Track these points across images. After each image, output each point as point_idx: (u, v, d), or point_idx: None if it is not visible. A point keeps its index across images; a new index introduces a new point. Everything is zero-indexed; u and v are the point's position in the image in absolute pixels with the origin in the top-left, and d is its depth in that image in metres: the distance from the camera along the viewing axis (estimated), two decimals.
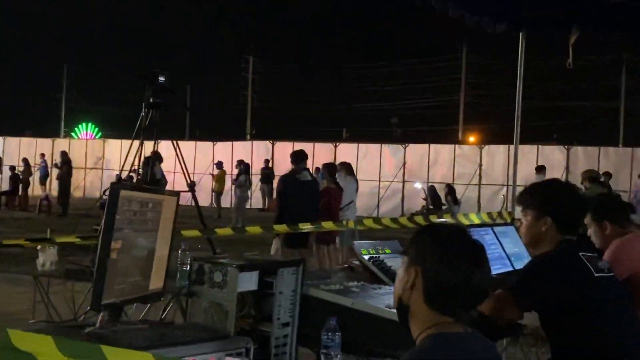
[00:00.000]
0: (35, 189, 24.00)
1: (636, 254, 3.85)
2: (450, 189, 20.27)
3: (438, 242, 2.03)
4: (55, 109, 47.53)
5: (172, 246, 3.03)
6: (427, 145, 25.33)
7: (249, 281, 2.91)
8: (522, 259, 4.30)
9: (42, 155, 26.10)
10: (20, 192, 22.74)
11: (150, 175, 8.21)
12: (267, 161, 25.47)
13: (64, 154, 22.06)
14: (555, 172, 20.27)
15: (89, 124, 45.89)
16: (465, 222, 6.85)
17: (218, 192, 22.95)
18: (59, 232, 8.28)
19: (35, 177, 23.82)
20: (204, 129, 40.57)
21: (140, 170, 7.88)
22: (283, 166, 19.83)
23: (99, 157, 29.89)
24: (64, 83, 47.58)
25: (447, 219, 8.89)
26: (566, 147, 23.07)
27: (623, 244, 3.87)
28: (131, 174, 8.11)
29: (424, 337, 1.98)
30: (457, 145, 26.00)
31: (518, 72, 7.10)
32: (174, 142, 8.25)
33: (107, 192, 2.48)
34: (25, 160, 23.80)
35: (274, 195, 22.63)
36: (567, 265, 3.00)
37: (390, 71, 44.97)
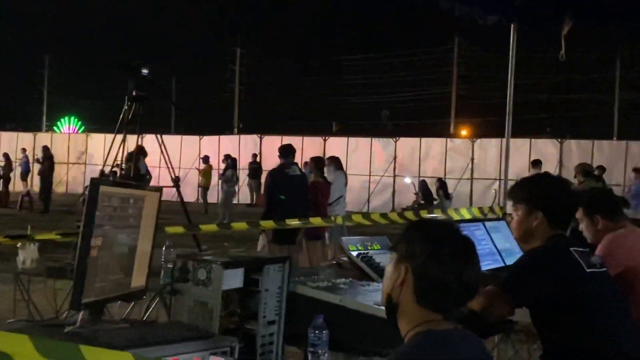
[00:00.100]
0: (16, 185, 23.87)
1: (629, 249, 3.87)
2: (441, 184, 20.33)
3: (428, 238, 2.03)
4: (36, 102, 47.27)
5: (156, 243, 3.02)
6: (418, 138, 25.36)
7: (234, 279, 2.91)
8: (513, 255, 4.32)
9: (24, 150, 25.94)
10: (0, 188, 22.61)
11: (134, 171, 8.18)
12: (254, 155, 25.44)
13: (45, 149, 21.94)
14: (549, 165, 20.34)
15: (72, 118, 45.65)
16: (456, 217, 6.86)
17: (204, 187, 22.91)
18: (40, 229, 8.24)
19: (17, 172, 23.67)
20: (190, 123, 40.48)
21: (124, 165, 7.85)
22: (271, 160, 19.78)
23: (82, 151, 29.77)
24: (45, 75, 47.30)
25: (437, 214, 8.90)
26: (559, 140, 23.17)
27: (615, 239, 3.89)
28: (115, 169, 8.07)
29: (413, 335, 1.99)
30: (448, 139, 26.05)
31: (509, 64, 7.12)
32: (158, 136, 8.22)
33: None
34: (5, 155, 23.65)
35: (262, 191, 22.67)
36: (558, 261, 3.02)
37: (380, 63, 45.00)
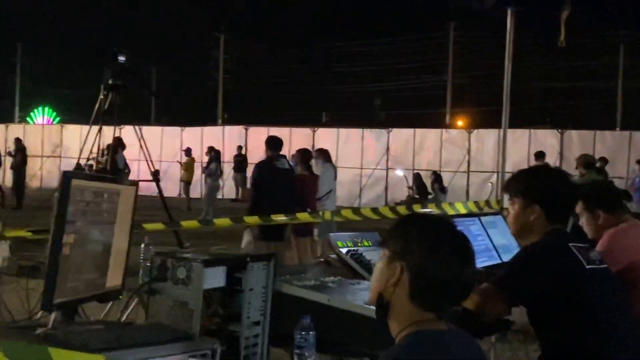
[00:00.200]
0: None
1: (631, 244, 3.89)
2: (436, 177, 20.39)
3: (425, 234, 2.04)
4: (8, 92, 46.99)
5: (133, 240, 3.02)
6: (412, 129, 25.41)
7: (215, 277, 2.90)
8: (510, 251, 4.33)
9: None
10: None
11: (111, 164, 8.15)
12: (240, 148, 25.41)
13: (18, 141, 21.84)
14: (549, 157, 20.38)
15: (46, 108, 45.43)
16: (451, 211, 6.87)
17: (187, 182, 22.88)
18: (13, 225, 8.19)
19: None
20: (171, 113, 40.37)
21: (100, 158, 7.82)
22: (257, 153, 19.79)
23: (56, 144, 29.67)
24: (17, 63, 47.01)
25: (431, 208, 8.91)
26: (560, 131, 23.26)
27: (617, 234, 3.91)
28: (90, 161, 8.04)
29: (405, 335, 1.99)
30: (444, 130, 26.12)
31: (506, 50, 7.13)
32: (136, 127, 8.19)
33: None
34: None
35: (248, 185, 22.67)
36: (556, 257, 3.02)
37: (373, 50, 44.98)
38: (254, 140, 24.73)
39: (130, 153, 15.55)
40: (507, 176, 4.60)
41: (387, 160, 24.83)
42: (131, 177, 17.53)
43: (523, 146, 22.28)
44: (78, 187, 2.43)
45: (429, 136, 25.02)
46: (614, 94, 33.04)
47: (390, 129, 25.62)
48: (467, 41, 38.71)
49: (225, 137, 27.03)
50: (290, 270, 3.85)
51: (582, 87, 38.36)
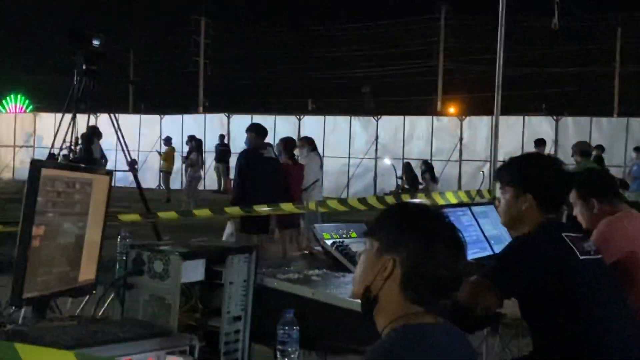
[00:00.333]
0: None
1: (626, 234, 3.92)
2: (427, 166, 20.39)
3: (419, 228, 2.05)
4: None
5: (109, 233, 3.00)
6: (401, 117, 25.43)
7: (194, 271, 2.89)
8: (502, 242, 4.34)
9: None
10: None
11: (86, 154, 8.11)
12: (222, 137, 25.36)
13: None
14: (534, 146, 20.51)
15: (18, 96, 45.12)
16: (442, 201, 6.90)
17: (166, 172, 22.80)
18: None
19: None
20: (150, 101, 40.22)
21: (73, 147, 7.77)
22: (240, 142, 19.71)
23: (29, 133, 29.48)
24: None
25: (421, 198, 8.94)
26: (555, 117, 23.34)
27: (612, 224, 3.93)
28: (64, 151, 8.00)
29: (392, 330, 2.00)
30: (435, 117, 26.16)
31: (498, 34, 7.15)
32: (112, 115, 8.15)
33: None
34: None
35: (231, 175, 22.63)
36: (549, 247, 3.04)
37: (360, 34, 44.93)
38: (237, 129, 24.65)
39: (107, 142, 15.47)
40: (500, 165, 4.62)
41: (376, 150, 24.84)
42: (108, 167, 17.47)
43: (517, 133, 22.36)
44: (48, 176, 2.41)
45: (420, 124, 25.05)
46: (611, 79, 33.18)
47: (379, 116, 25.63)
48: (458, 25, 38.75)
49: (207, 126, 26.96)
50: (272, 263, 3.86)
51: (578, 72, 38.50)
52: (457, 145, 23.91)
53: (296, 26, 48.62)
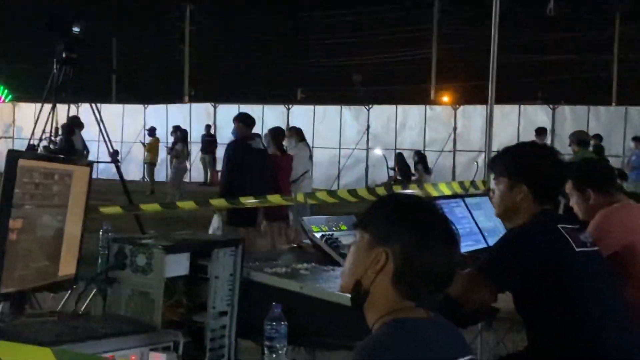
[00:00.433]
0: None
1: (623, 226, 3.94)
2: (420, 157, 20.45)
3: (412, 220, 2.05)
4: None
5: (92, 227, 3.00)
6: (394, 106, 25.45)
7: (178, 265, 2.89)
8: (496, 234, 4.35)
9: None
10: None
11: (66, 145, 8.08)
12: (208, 127, 25.33)
13: None
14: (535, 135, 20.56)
15: None
16: (435, 192, 6.91)
17: (151, 164, 22.76)
18: None
19: None
20: (134, 90, 40.07)
21: (53, 138, 7.74)
22: (227, 132, 19.73)
23: (8, 124, 29.37)
24: None
25: (413, 189, 8.95)
26: (552, 106, 23.40)
27: (609, 215, 3.95)
28: (44, 142, 7.97)
29: (383, 324, 2.01)
30: (428, 106, 26.16)
31: (492, 19, 7.16)
32: (93, 105, 8.12)
33: None
34: None
35: (218, 167, 22.61)
36: (544, 239, 3.05)
37: (351, 21, 44.91)
38: (224, 119, 24.63)
39: (89, 133, 15.42)
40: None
41: (367, 140, 24.85)
42: (90, 159, 17.40)
43: (512, 123, 22.41)
44: (26, 167, 2.40)
45: (412, 113, 25.06)
46: (609, 67, 33.24)
47: (370, 105, 25.63)
48: (452, 10, 38.73)
49: (192, 115, 26.91)
50: (260, 256, 3.86)
51: (576, 60, 38.57)
52: (451, 135, 23.95)
53: (285, 13, 48.53)
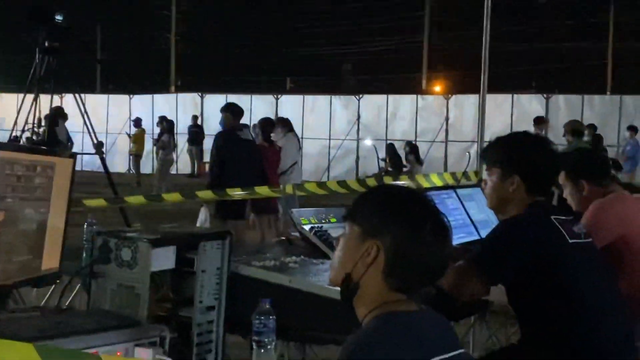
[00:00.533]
0: None
1: (617, 217, 3.95)
2: (412, 147, 20.45)
3: (404, 212, 2.05)
4: None
5: (76, 220, 2.99)
6: (384, 96, 25.45)
7: (164, 258, 2.89)
8: (489, 226, 4.35)
9: None
10: None
11: (50, 136, 8.06)
12: (195, 117, 25.27)
13: None
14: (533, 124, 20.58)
15: None
16: (426, 183, 6.92)
17: (136, 155, 22.69)
18: None
19: None
20: (119, 80, 39.93)
21: (36, 129, 7.73)
22: (214, 123, 19.72)
23: None
24: None
25: (403, 180, 8.97)
26: (545, 95, 23.44)
27: (602, 206, 3.96)
28: (27, 133, 7.95)
29: (373, 318, 2.01)
30: (420, 96, 26.17)
31: (484, 7, 7.16)
32: (77, 95, 8.09)
33: None
34: None
35: (205, 158, 22.59)
36: (537, 231, 3.06)
37: (341, 8, 44.79)
38: (211, 109, 24.55)
39: (73, 124, 15.37)
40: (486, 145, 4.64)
41: (358, 130, 24.84)
42: (75, 150, 17.35)
43: (505, 112, 22.44)
44: (7, 159, 2.40)
45: (404, 103, 25.06)
46: (603, 55, 33.29)
47: (360, 95, 25.62)
48: None
49: (179, 106, 26.84)
50: (248, 249, 3.86)
51: (569, 48, 38.61)
52: (443, 125, 23.97)
53: (273, 0, 48.39)
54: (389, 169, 20.48)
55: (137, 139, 22.74)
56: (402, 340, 1.93)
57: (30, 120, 7.67)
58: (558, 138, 12.83)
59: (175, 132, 21.69)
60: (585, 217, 3.89)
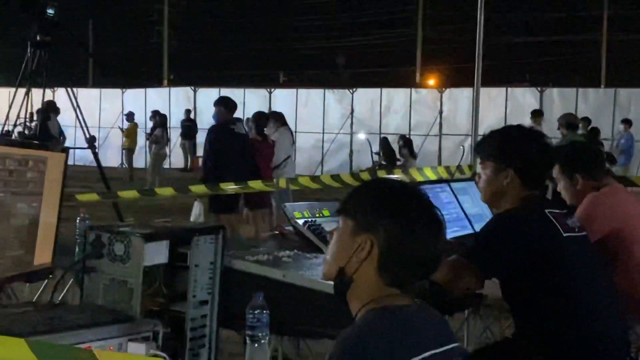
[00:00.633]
0: None
1: (611, 210, 3.96)
2: (405, 141, 20.46)
3: (398, 206, 2.05)
4: None
5: (67, 214, 2.98)
6: (378, 89, 25.42)
7: (157, 253, 2.89)
8: (483, 220, 4.37)
9: None
10: None
11: (41, 131, 8.04)
12: (188, 111, 25.23)
13: None
14: (527, 118, 20.56)
15: None
16: (420, 177, 6.93)
17: (129, 149, 22.64)
18: None
19: None
20: (111, 74, 39.83)
21: (28, 123, 7.72)
22: (207, 117, 19.66)
23: None
24: None
25: (397, 174, 8.97)
26: (539, 89, 23.45)
27: (596, 200, 3.97)
28: (19, 127, 7.94)
29: (367, 312, 2.01)
30: (413, 89, 26.16)
31: (478, 0, 7.16)
32: (69, 89, 8.08)
33: None
34: None
35: (198, 153, 22.56)
36: (531, 224, 3.06)
37: (334, 1, 44.75)
38: (204, 103, 24.53)
39: (66, 118, 15.34)
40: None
41: (352, 124, 24.83)
42: (67, 145, 17.32)
43: (499, 106, 22.45)
44: None
45: (397, 96, 25.06)
46: (597, 48, 33.30)
47: (354, 89, 25.60)
48: None
49: (172, 100, 26.80)
50: (241, 244, 3.86)
51: (564, 41, 38.64)
52: (437, 118, 23.96)
53: None
54: (383, 162, 20.49)
55: (130, 133, 22.70)
56: (395, 334, 1.93)
57: (22, 114, 7.66)
58: (552, 131, 12.84)
59: (168, 126, 21.66)
60: (579, 211, 3.90)
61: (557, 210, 3.17)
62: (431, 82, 36.88)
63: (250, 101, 23.04)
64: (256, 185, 7.72)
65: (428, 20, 38.51)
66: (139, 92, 27.78)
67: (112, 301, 2.75)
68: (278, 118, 11.01)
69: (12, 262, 2.58)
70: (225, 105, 8.91)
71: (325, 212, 3.96)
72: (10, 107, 7.79)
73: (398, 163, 20.08)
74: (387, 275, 2.03)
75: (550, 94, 23.07)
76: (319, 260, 3.37)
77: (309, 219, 3.83)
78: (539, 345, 3.04)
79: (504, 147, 3.24)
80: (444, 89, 25.17)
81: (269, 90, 26.18)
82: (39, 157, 2.65)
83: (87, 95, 25.53)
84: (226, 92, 21.15)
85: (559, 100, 22.45)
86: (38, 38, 7.42)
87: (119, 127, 24.05)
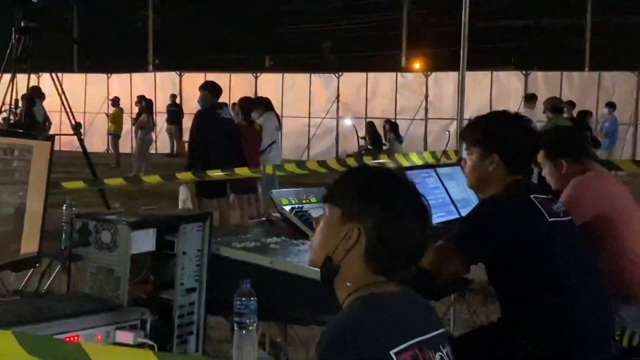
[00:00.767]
0: None
1: (596, 195, 3.97)
2: (391, 125, 20.44)
3: (384, 194, 2.05)
4: None
5: (52, 202, 2.97)
6: (364, 73, 25.38)
7: (144, 241, 2.88)
8: (469, 205, 4.38)
9: None
10: None
11: (27, 116, 7.99)
12: (173, 96, 25.13)
13: None
14: (512, 101, 20.66)
15: None
16: (405, 162, 6.93)
17: (115, 135, 22.56)
18: None
19: None
20: (96, 59, 39.57)
21: (14, 110, 7.68)
22: (193, 102, 19.60)
23: None
24: None
25: (383, 159, 8.97)
26: (524, 72, 23.49)
27: (581, 184, 3.98)
28: (4, 114, 7.89)
29: (354, 299, 2.01)
30: (399, 73, 26.13)
31: None
32: (53, 74, 8.03)
33: None
34: None
35: (184, 138, 22.49)
36: (516, 209, 3.07)
37: None
38: (189, 88, 24.45)
39: (51, 104, 15.24)
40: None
41: (338, 108, 24.81)
42: (53, 130, 17.24)
43: (485, 90, 22.50)
44: None
45: (383, 80, 25.04)
46: (582, 32, 33.34)
47: (340, 73, 25.56)
48: None
49: (157, 85, 26.68)
50: (228, 230, 3.85)
51: (548, 25, 38.67)
52: (423, 102, 23.98)
53: None
54: (369, 147, 20.48)
55: (115, 119, 22.59)
56: (383, 322, 1.93)
57: (7, 100, 7.62)
58: (537, 115, 12.88)
59: (154, 111, 21.56)
60: (564, 195, 3.92)
61: (543, 196, 3.18)
62: (417, 66, 36.85)
63: (236, 85, 22.99)
64: (243, 172, 7.70)
65: (413, 4, 38.43)
66: (124, 77, 27.65)
67: (99, 289, 2.74)
68: (264, 103, 10.98)
69: None
70: (210, 90, 8.88)
71: (312, 199, 3.94)
72: None
73: (384, 147, 20.07)
74: (374, 264, 2.03)
75: (535, 78, 23.12)
76: (306, 247, 3.37)
77: (296, 206, 3.82)
78: (524, 329, 3.05)
79: (489, 133, 3.24)
80: (429, 73, 25.16)
81: (254, 74, 26.10)
82: (24, 146, 2.63)
83: (72, 80, 25.37)
84: (212, 76, 21.08)
85: (544, 84, 22.50)
86: (23, 24, 7.38)
87: (105, 113, 23.94)
